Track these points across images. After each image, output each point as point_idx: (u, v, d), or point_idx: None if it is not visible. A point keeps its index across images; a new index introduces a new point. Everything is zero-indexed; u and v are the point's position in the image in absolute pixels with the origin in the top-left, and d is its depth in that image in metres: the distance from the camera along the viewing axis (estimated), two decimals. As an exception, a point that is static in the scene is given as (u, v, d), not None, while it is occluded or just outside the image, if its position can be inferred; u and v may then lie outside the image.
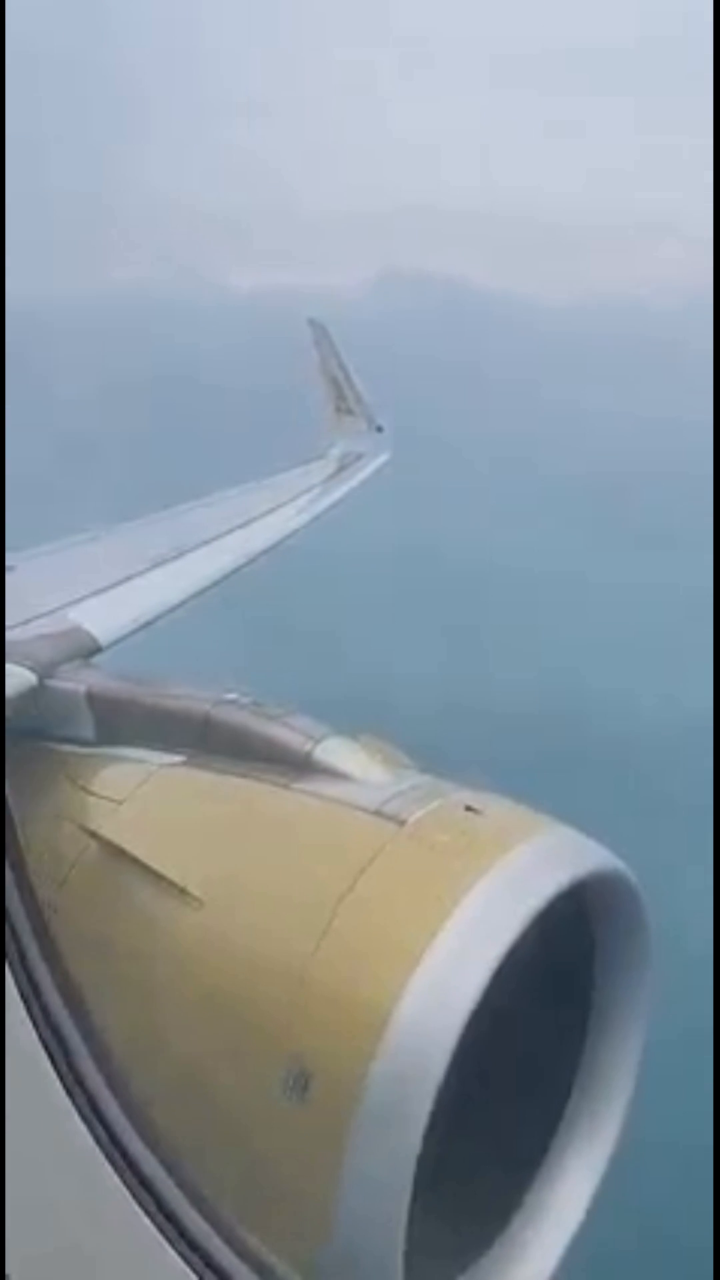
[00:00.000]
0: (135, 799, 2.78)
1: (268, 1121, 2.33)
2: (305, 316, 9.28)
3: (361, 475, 7.79)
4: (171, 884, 2.54)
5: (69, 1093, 1.20)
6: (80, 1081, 1.21)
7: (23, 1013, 1.20)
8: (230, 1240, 1.24)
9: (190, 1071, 2.41)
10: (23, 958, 1.21)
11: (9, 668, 3.01)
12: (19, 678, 3.01)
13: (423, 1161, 2.18)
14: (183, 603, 4.36)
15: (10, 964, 1.20)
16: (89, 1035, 1.24)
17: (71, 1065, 1.21)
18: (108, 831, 2.70)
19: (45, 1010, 1.22)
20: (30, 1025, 1.20)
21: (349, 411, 8.96)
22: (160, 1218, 1.20)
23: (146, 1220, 1.20)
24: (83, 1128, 1.20)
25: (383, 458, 8.26)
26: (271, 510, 6.22)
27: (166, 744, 2.92)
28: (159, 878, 2.56)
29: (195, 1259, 1.19)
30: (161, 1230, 1.20)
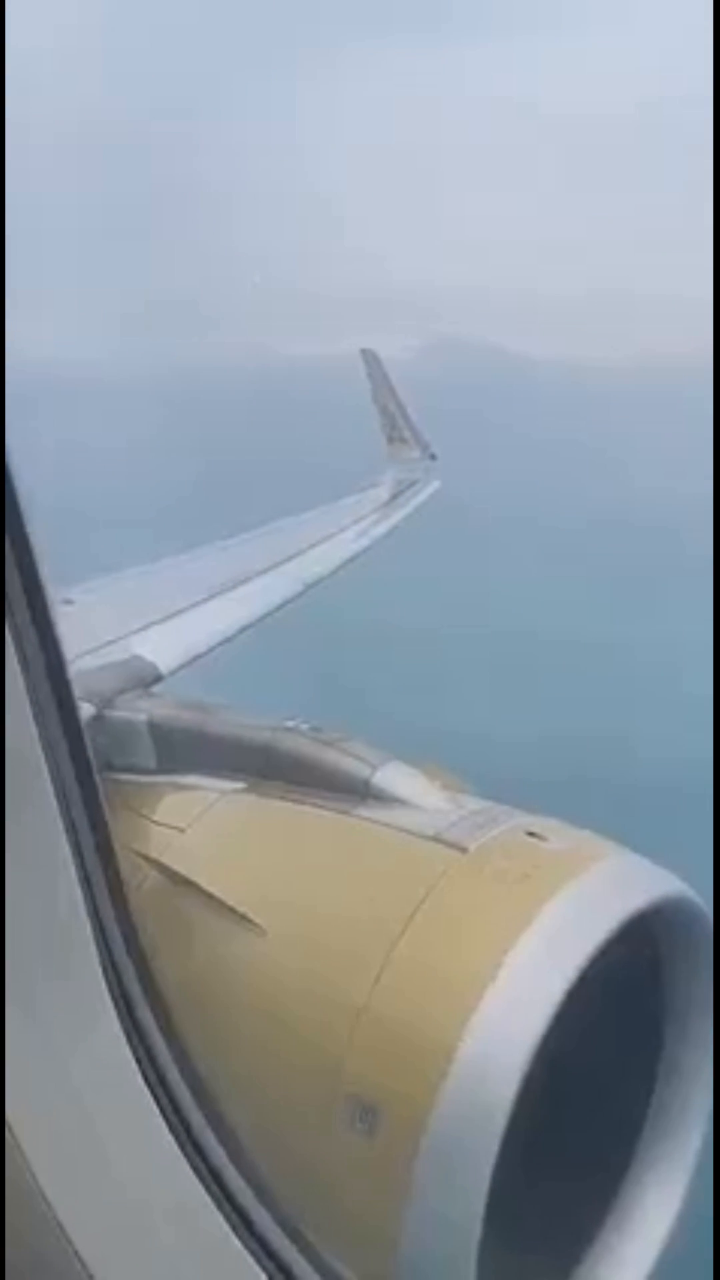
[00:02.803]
0: (197, 827, 2.79)
1: (333, 1155, 2.30)
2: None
3: (416, 502, 7.79)
4: (234, 912, 2.54)
5: (152, 1091, 1.21)
6: (161, 1078, 1.22)
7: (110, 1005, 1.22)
8: (304, 1250, 1.23)
9: (253, 1103, 2.39)
10: (109, 948, 1.23)
11: None
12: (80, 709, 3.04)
13: (493, 1195, 2.13)
14: (241, 631, 4.40)
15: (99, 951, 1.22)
16: (169, 1032, 1.25)
17: (153, 1059, 1.23)
18: (170, 860, 2.71)
19: (131, 1011, 1.23)
20: (115, 1017, 1.22)
21: (402, 440, 9.00)
22: (235, 1217, 1.20)
23: (220, 1218, 1.20)
24: (162, 1123, 1.21)
25: (435, 484, 8.27)
26: (327, 538, 6.25)
27: (227, 772, 2.93)
28: (221, 906, 2.56)
29: (269, 1263, 1.19)
30: (234, 1230, 1.20)
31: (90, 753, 1.20)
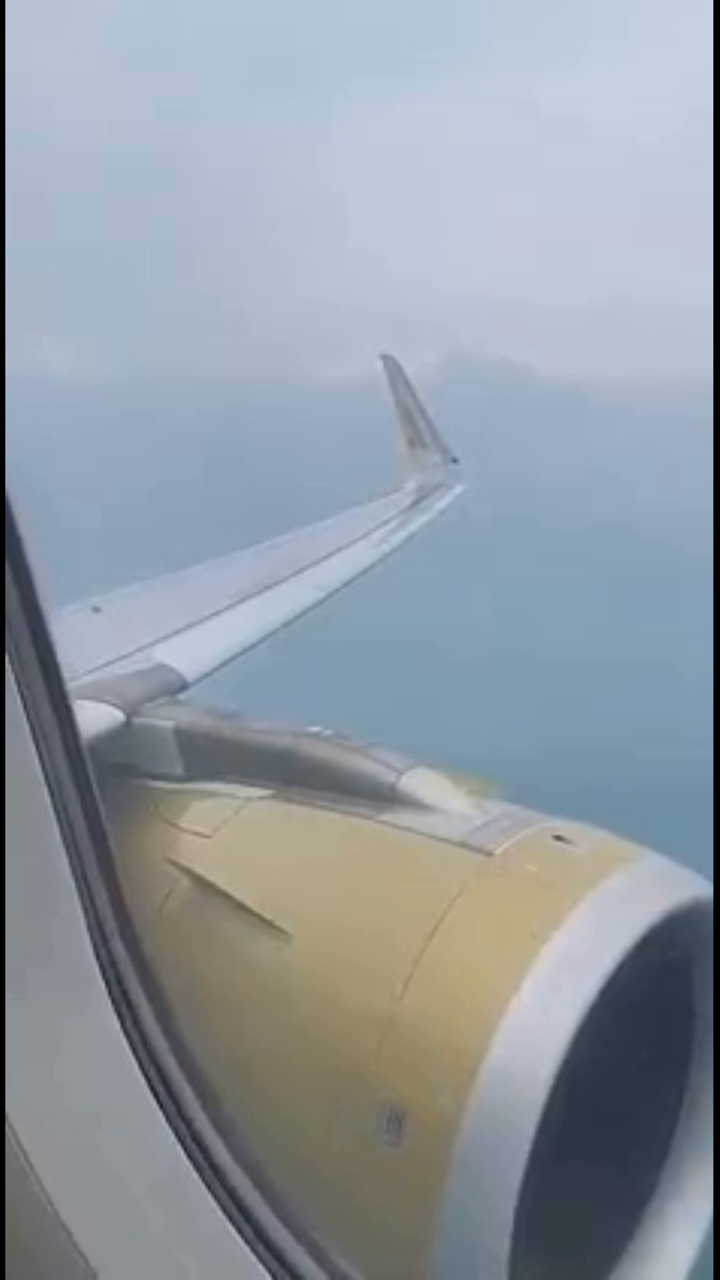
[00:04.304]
0: (223, 833, 2.81)
1: (362, 1162, 2.30)
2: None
3: (438, 507, 7.78)
4: (260, 919, 2.55)
5: (156, 1098, 1.21)
6: (168, 1087, 1.22)
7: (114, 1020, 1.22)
8: (316, 1255, 1.23)
9: (281, 1110, 2.39)
10: (114, 964, 1.23)
11: (99, 706, 3.08)
12: (108, 716, 3.08)
13: (522, 1201, 2.13)
14: (265, 638, 4.42)
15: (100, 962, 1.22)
16: (173, 1038, 1.24)
17: (160, 1071, 1.22)
18: (197, 866, 2.72)
19: (137, 1021, 1.23)
20: (121, 1032, 1.22)
21: (423, 445, 8.96)
22: (246, 1227, 1.20)
23: (233, 1230, 1.20)
24: (168, 1131, 1.21)
25: (458, 489, 8.25)
26: (349, 544, 6.25)
27: (253, 778, 2.95)
28: (248, 912, 2.57)
29: (279, 1269, 1.19)
30: (246, 1239, 1.20)
31: (80, 734, 1.19)
